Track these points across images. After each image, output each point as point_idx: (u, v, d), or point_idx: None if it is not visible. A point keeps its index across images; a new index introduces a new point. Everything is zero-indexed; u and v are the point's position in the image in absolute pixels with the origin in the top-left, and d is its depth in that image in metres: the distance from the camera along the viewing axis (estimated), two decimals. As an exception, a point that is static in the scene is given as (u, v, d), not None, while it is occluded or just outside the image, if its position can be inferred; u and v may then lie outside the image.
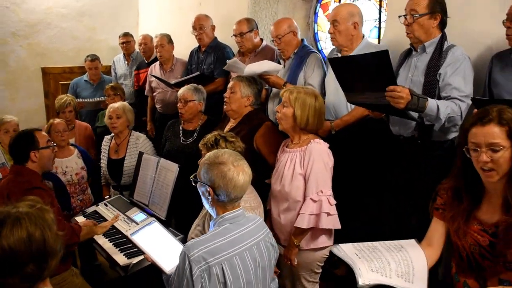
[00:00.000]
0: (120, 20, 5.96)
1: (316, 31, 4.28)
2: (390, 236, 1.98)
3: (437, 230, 1.79)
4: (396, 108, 2.16)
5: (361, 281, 1.53)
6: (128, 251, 2.51)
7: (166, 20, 5.50)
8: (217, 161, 1.76)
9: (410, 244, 1.72)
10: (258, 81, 3.05)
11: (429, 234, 1.81)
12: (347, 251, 1.66)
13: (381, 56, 2.06)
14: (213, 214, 1.83)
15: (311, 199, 2.32)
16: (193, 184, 1.85)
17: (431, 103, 2.18)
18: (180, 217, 3.12)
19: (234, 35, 3.61)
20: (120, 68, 5.23)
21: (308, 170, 2.34)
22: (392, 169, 2.63)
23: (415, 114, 2.32)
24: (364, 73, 2.23)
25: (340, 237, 2.43)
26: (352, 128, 2.80)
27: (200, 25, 4.02)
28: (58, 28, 5.62)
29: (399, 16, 2.50)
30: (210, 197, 1.78)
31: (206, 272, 1.63)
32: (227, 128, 2.99)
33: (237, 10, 4.21)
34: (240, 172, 1.75)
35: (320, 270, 2.52)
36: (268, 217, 2.59)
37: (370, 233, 2.35)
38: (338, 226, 2.35)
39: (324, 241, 2.42)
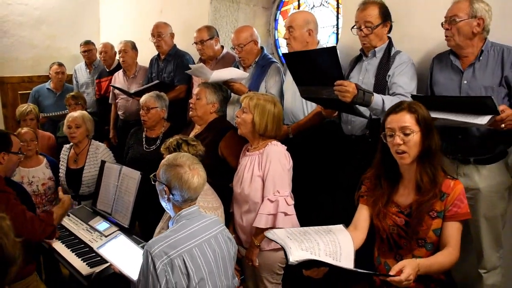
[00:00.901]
0: (81, 27, 5.87)
1: (276, 38, 4.39)
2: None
3: (362, 215, 1.97)
4: (345, 104, 2.28)
5: (291, 258, 1.64)
6: (90, 260, 2.51)
7: (127, 27, 5.47)
8: (175, 163, 1.90)
9: (338, 228, 1.86)
10: (223, 89, 3.11)
11: (355, 219, 1.99)
12: (280, 234, 1.79)
13: (330, 52, 2.21)
14: (170, 211, 1.96)
15: (268, 199, 2.39)
16: (152, 182, 1.98)
17: (377, 97, 2.32)
18: (145, 223, 3.13)
19: (195, 42, 3.66)
20: (82, 76, 5.16)
21: (266, 171, 2.42)
22: (344, 168, 2.74)
23: (366, 113, 2.45)
24: (315, 67, 2.34)
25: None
26: (307, 131, 2.90)
27: (159, 32, 4.04)
28: (16, 36, 5.47)
29: (352, 28, 2.63)
30: (166, 196, 1.91)
31: (168, 265, 1.73)
32: (192, 134, 3.03)
33: (198, 18, 4.26)
34: (195, 175, 1.88)
35: (282, 272, 2.57)
36: (231, 220, 2.65)
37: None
38: (297, 226, 2.41)
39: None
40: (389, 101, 2.32)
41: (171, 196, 1.88)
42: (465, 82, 2.34)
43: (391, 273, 1.59)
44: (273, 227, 2.36)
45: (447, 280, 1.84)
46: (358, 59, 2.79)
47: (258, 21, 4.34)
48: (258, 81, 3.17)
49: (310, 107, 2.91)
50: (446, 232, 1.77)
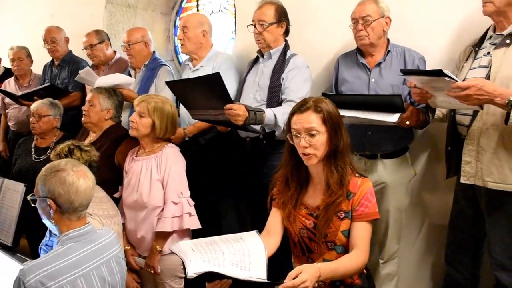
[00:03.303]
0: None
1: (176, 44, 4.36)
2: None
3: (275, 218, 1.87)
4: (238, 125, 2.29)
5: (189, 271, 1.56)
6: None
7: (15, 33, 5.11)
8: (55, 169, 1.67)
9: (249, 235, 1.77)
10: (118, 93, 3.00)
11: (268, 223, 1.89)
12: (183, 247, 1.68)
13: (215, 79, 2.17)
14: (57, 232, 1.71)
15: (172, 202, 2.36)
16: (32, 204, 1.71)
17: (268, 113, 2.36)
18: (34, 239, 2.90)
19: (84, 47, 3.57)
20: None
21: (166, 174, 2.39)
22: (241, 170, 2.79)
23: (259, 128, 2.47)
24: (202, 94, 2.34)
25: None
26: (203, 133, 2.92)
27: (52, 38, 3.87)
28: None
29: (248, 26, 2.67)
30: (52, 211, 1.64)
31: None
32: (86, 142, 2.88)
33: (91, 23, 4.09)
34: (81, 177, 1.67)
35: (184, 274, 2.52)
36: (123, 232, 2.52)
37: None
38: (199, 226, 2.41)
39: (185, 242, 2.46)
40: (281, 113, 2.38)
41: (58, 208, 1.62)
42: (373, 80, 2.41)
43: (286, 279, 1.47)
44: (179, 228, 2.36)
45: (364, 284, 1.78)
46: (255, 62, 2.83)
47: (157, 27, 4.30)
48: (147, 84, 3.13)
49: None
50: (353, 233, 1.69)
